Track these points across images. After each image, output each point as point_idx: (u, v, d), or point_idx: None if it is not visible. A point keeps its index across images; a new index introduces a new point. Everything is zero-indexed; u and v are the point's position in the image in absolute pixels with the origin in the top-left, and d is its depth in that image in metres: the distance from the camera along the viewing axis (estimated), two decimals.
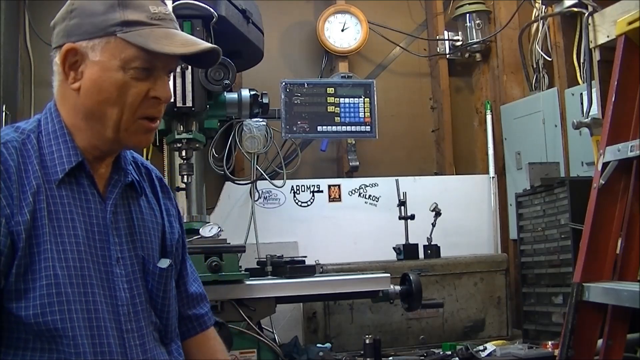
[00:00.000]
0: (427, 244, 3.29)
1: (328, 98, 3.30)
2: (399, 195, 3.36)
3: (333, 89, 3.31)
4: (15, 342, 1.17)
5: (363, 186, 3.59)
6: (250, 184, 3.40)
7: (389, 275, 2.67)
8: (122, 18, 1.22)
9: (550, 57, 3.45)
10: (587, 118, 2.80)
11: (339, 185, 3.58)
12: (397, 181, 3.42)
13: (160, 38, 1.23)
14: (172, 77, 2.52)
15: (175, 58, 1.28)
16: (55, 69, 1.28)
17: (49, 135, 1.27)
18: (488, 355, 2.77)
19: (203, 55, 1.29)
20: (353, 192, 3.58)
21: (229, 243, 2.58)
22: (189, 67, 2.60)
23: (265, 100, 2.91)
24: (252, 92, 2.87)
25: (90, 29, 1.23)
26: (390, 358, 2.83)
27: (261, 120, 3.35)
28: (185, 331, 1.48)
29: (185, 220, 2.86)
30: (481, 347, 2.83)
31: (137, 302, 1.29)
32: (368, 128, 3.34)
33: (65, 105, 1.28)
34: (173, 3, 2.57)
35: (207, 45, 1.28)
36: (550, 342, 2.74)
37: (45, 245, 1.18)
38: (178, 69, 2.59)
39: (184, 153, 2.68)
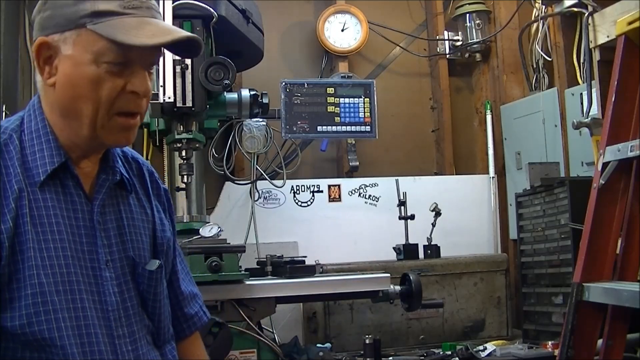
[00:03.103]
0: (427, 244, 3.29)
1: (328, 98, 3.30)
2: (399, 195, 3.36)
3: (333, 89, 3.31)
4: (3, 352, 1.12)
5: (363, 186, 3.59)
6: (250, 184, 3.40)
7: (389, 275, 2.67)
8: (92, 8, 1.14)
9: (550, 57, 3.45)
10: (587, 118, 2.80)
11: (339, 185, 3.57)
12: (397, 181, 3.42)
13: (130, 28, 1.14)
14: (172, 77, 2.58)
15: (150, 49, 1.18)
16: (34, 59, 1.20)
17: (32, 134, 1.21)
18: (488, 355, 2.77)
19: (184, 45, 1.22)
20: (353, 192, 3.58)
21: (229, 243, 2.58)
22: (189, 67, 2.60)
23: (265, 100, 2.91)
24: (252, 92, 2.87)
25: (62, 21, 1.16)
26: (390, 358, 2.83)
27: (261, 120, 3.35)
28: (175, 333, 1.43)
29: (185, 220, 2.86)
30: (481, 347, 2.83)
31: (128, 305, 1.24)
32: (368, 128, 3.34)
33: (46, 102, 1.22)
34: (173, 3, 2.57)
35: (179, 35, 1.19)
36: (550, 342, 2.74)
37: (29, 252, 1.13)
38: (178, 69, 2.59)
39: (184, 153, 2.69)
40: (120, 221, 1.28)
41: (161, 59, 2.54)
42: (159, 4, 2.45)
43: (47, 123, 1.21)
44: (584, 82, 3.01)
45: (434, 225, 3.30)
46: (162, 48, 1.22)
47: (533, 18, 3.52)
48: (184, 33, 1.20)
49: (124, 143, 1.25)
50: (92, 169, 1.26)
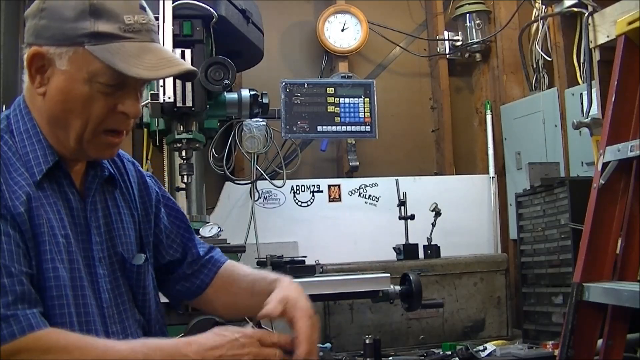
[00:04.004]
0: (427, 244, 3.29)
1: (328, 98, 3.30)
2: (399, 195, 3.36)
3: (333, 89, 3.31)
4: None
5: (363, 186, 3.59)
6: (250, 184, 3.40)
7: (389, 275, 2.66)
8: (92, 29, 1.14)
9: (550, 57, 3.45)
10: (587, 118, 2.80)
11: (339, 185, 3.57)
12: (397, 181, 3.42)
13: (130, 56, 1.15)
14: (171, 78, 2.57)
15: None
16: (25, 66, 1.21)
17: (22, 135, 1.21)
18: (488, 355, 2.77)
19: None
20: (353, 192, 3.58)
21: (229, 243, 2.58)
22: None
23: (265, 100, 2.91)
24: (252, 92, 2.87)
25: (59, 35, 1.16)
26: (390, 358, 2.83)
27: (261, 120, 3.35)
28: (205, 277, 1.46)
29: None
30: (481, 347, 2.83)
31: (119, 302, 1.26)
32: (368, 128, 3.34)
33: (33, 106, 1.23)
34: (173, 3, 2.57)
35: (177, 68, 1.21)
36: (550, 342, 2.74)
37: (44, 246, 1.14)
38: None
39: (184, 153, 2.68)
40: (109, 217, 1.30)
41: None
42: (158, 4, 2.47)
43: (35, 123, 1.22)
44: (584, 82, 3.01)
45: (434, 225, 3.30)
46: None
47: (533, 18, 3.51)
48: (183, 66, 1.22)
49: (107, 157, 1.29)
50: (80, 167, 1.28)
